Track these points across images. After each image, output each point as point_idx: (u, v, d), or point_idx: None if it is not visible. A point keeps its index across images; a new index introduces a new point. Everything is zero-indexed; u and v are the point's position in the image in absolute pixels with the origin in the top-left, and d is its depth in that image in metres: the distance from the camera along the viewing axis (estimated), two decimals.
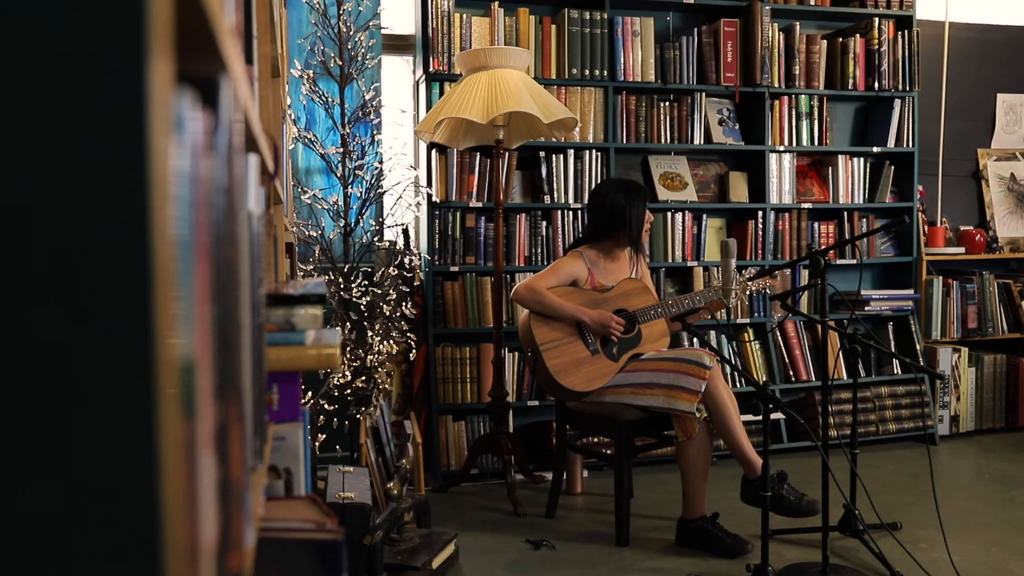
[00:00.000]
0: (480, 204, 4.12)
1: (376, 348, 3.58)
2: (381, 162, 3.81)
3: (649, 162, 4.50)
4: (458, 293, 4.10)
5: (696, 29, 4.43)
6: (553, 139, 4.11)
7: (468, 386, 4.09)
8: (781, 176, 4.56)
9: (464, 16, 4.12)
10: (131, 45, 0.45)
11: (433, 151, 4.09)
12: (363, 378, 3.57)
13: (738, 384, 4.32)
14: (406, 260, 3.90)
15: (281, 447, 1.26)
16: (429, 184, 4.07)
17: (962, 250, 4.86)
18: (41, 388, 0.44)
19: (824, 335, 2.85)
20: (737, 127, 4.58)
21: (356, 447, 3.48)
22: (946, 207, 5.05)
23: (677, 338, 4.06)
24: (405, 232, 4.05)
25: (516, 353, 4.14)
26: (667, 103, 4.41)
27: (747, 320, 4.48)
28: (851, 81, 4.62)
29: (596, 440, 4.05)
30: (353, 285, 3.60)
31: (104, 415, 0.45)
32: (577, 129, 4.18)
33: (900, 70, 4.68)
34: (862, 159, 4.73)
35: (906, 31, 4.69)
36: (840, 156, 4.68)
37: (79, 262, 0.44)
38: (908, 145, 4.72)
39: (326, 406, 3.63)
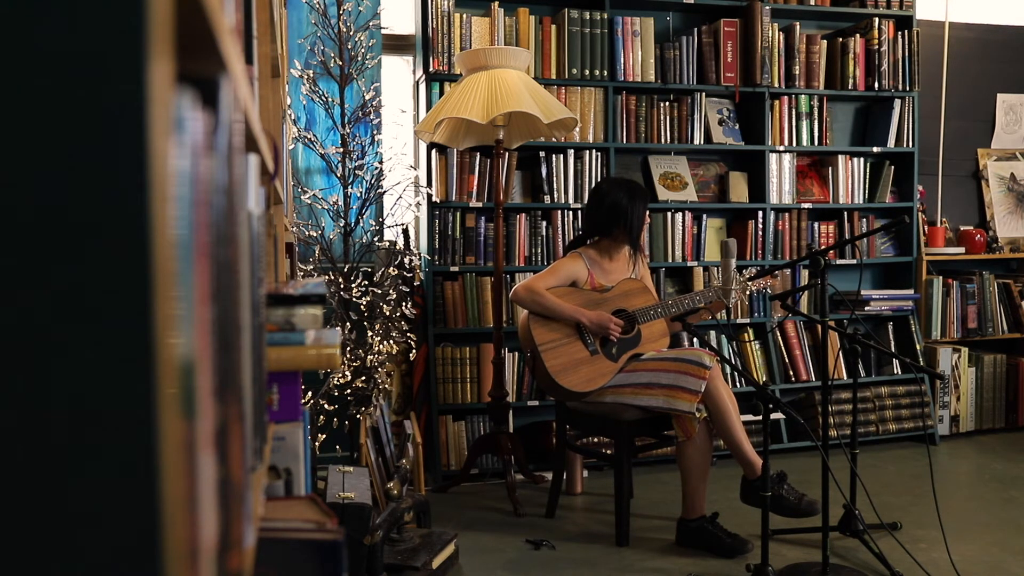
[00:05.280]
0: (480, 204, 4.12)
1: (376, 348, 3.58)
2: (381, 162, 3.81)
3: (649, 162, 4.50)
4: (458, 293, 4.10)
5: (696, 29, 4.43)
6: (553, 139, 4.11)
7: (468, 386, 4.09)
8: (781, 176, 4.56)
9: (464, 16, 4.12)
10: (131, 45, 0.45)
11: (433, 151, 4.09)
12: (363, 378, 3.57)
13: (738, 384, 4.32)
14: (406, 260, 3.90)
15: (281, 447, 1.26)
16: (429, 184, 4.07)
17: (962, 250, 4.86)
18: (41, 388, 0.44)
19: (824, 335, 2.85)
20: (737, 127, 4.58)
21: (356, 447, 3.48)
22: (946, 207, 5.05)
23: (677, 338, 4.06)
24: (405, 232, 4.05)
25: (516, 353, 4.14)
26: (667, 103, 4.41)
27: (747, 320, 4.48)
28: (851, 81, 4.62)
29: (596, 440, 4.05)
30: (353, 285, 3.60)
31: (104, 415, 0.45)
32: (577, 129, 4.19)
33: (900, 70, 4.68)
34: (862, 159, 4.73)
35: (906, 31, 4.69)
36: (840, 156, 4.68)
37: (79, 262, 0.44)
38: (908, 145, 4.72)
39: (326, 406, 3.63)
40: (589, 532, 3.35)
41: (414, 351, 3.87)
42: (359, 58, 3.70)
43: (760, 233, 4.51)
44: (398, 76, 4.47)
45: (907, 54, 4.68)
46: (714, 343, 4.37)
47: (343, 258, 3.69)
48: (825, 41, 4.66)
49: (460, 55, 3.71)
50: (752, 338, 4.51)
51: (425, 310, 4.04)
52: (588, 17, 4.23)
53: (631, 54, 4.31)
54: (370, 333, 3.60)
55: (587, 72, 4.24)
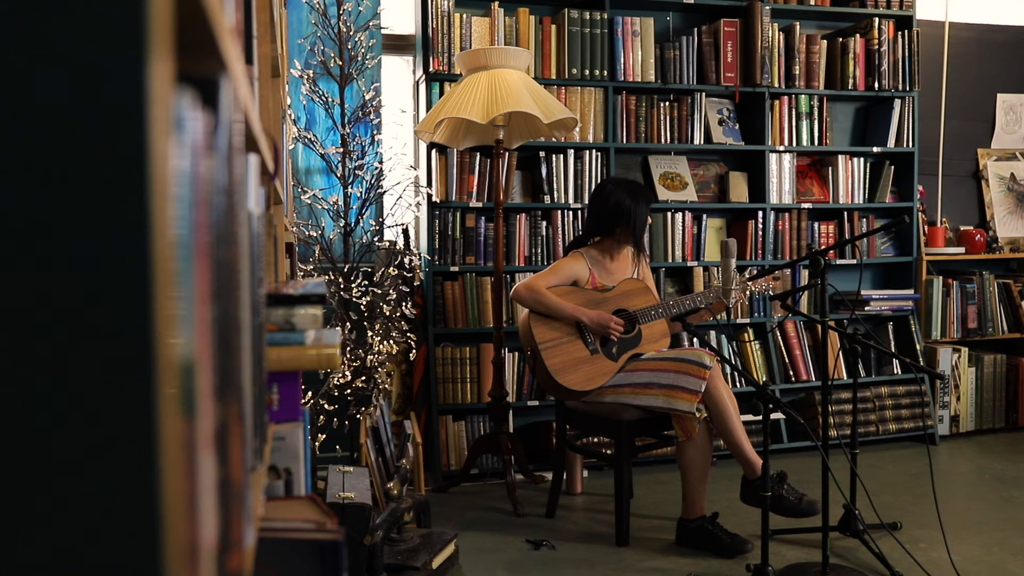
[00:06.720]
0: (480, 204, 4.12)
1: (376, 348, 3.58)
2: (381, 162, 3.81)
3: (649, 162, 4.50)
4: (458, 293, 4.10)
5: (696, 29, 4.43)
6: (553, 139, 4.11)
7: (468, 386, 4.09)
8: (781, 176, 4.56)
9: (464, 16, 4.12)
10: (131, 45, 0.45)
11: (433, 151, 4.09)
12: (363, 378, 3.57)
13: (738, 384, 4.32)
14: (406, 260, 3.90)
15: (281, 447, 1.26)
16: (429, 184, 4.07)
17: (962, 250, 4.86)
18: (41, 388, 0.44)
19: (824, 335, 2.85)
20: (737, 127, 4.58)
21: (356, 447, 3.48)
22: (946, 207, 5.05)
23: (677, 338, 4.06)
24: (405, 232, 4.05)
25: (516, 353, 4.14)
26: (667, 103, 4.41)
27: (747, 320, 4.48)
28: (851, 81, 4.62)
29: (596, 440, 4.05)
30: (353, 285, 3.60)
31: (104, 415, 0.45)
32: (577, 129, 4.18)
33: (900, 70, 4.68)
34: (862, 159, 4.73)
35: (906, 31, 4.69)
36: (840, 156, 4.68)
37: (79, 262, 0.44)
38: (908, 145, 4.72)
39: (326, 406, 3.63)
40: (589, 532, 3.35)
41: (414, 351, 3.87)
42: (359, 58, 3.70)
43: (760, 233, 4.51)
44: (398, 76, 4.47)
45: (907, 54, 4.68)
46: (714, 343, 4.37)
47: (343, 258, 3.69)
48: (825, 41, 4.66)
49: (460, 55, 3.71)
50: (752, 338, 4.51)
51: (425, 310, 4.04)
52: (588, 17, 4.23)
53: (631, 54, 4.31)
54: (370, 333, 3.60)
55: (587, 72, 4.24)
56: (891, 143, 4.70)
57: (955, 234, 5.01)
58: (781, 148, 4.53)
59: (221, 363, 0.65)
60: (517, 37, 4.17)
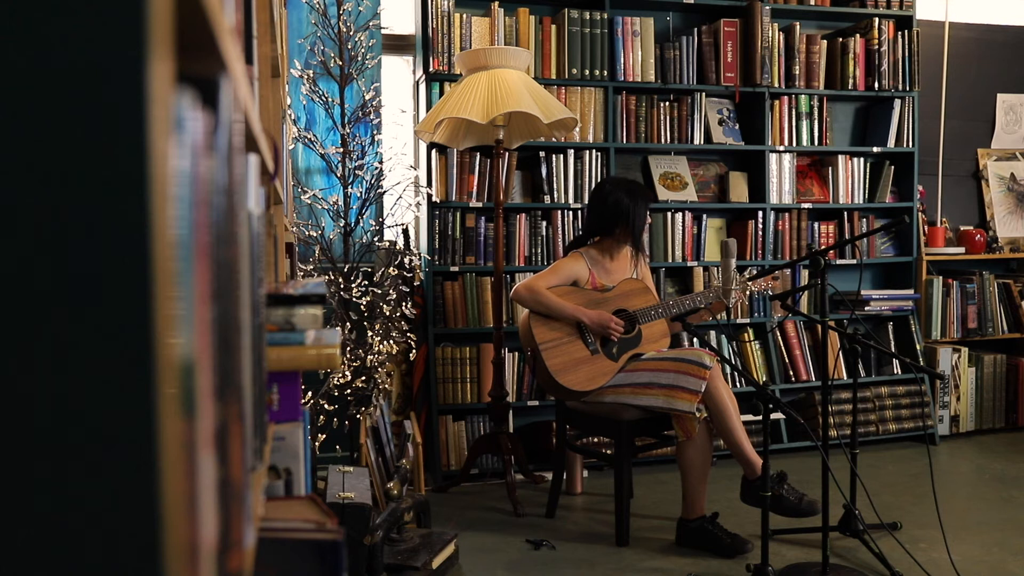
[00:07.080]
0: (480, 204, 4.12)
1: (376, 348, 3.58)
2: (381, 162, 3.81)
3: (649, 162, 4.50)
4: (458, 293, 4.10)
5: (696, 29, 4.43)
6: (553, 139, 4.11)
7: (468, 386, 4.09)
8: (781, 176, 4.56)
9: (464, 16, 4.12)
10: (131, 45, 0.45)
11: (433, 151, 4.09)
12: (363, 378, 3.57)
13: (738, 384, 4.32)
14: (406, 260, 3.90)
15: (281, 447, 1.26)
16: (429, 184, 4.07)
17: (962, 250, 4.86)
18: (41, 388, 0.44)
19: (824, 335, 2.85)
20: (737, 127, 4.58)
21: (356, 447, 3.48)
22: (946, 207, 5.05)
23: (677, 338, 4.06)
24: (405, 232, 4.05)
25: (516, 353, 4.14)
26: (667, 103, 4.41)
27: (747, 320, 4.48)
28: (851, 81, 4.62)
29: (596, 440, 4.05)
30: (353, 285, 3.60)
31: (104, 415, 0.45)
32: (577, 129, 4.18)
33: (900, 70, 4.68)
34: (862, 159, 4.73)
35: (906, 31, 4.69)
36: (840, 156, 4.68)
37: (79, 262, 0.44)
38: (908, 145, 4.72)
39: (326, 406, 3.63)
40: (589, 532, 3.35)
41: (414, 351, 3.87)
42: (359, 58, 3.70)
43: (760, 233, 4.51)
44: (398, 76, 4.47)
45: (907, 54, 4.68)
46: (714, 343, 4.37)
47: (343, 258, 3.69)
48: (825, 41, 4.66)
49: (460, 55, 3.71)
50: (752, 338, 4.51)
51: (425, 310, 4.04)
52: (588, 17, 4.23)
53: (631, 54, 4.31)
54: (370, 333, 3.60)
55: (587, 72, 4.24)
56: (891, 143, 4.70)
57: (955, 234, 5.01)
58: (781, 148, 4.53)
59: (221, 363, 0.65)
60: (517, 37, 4.17)
